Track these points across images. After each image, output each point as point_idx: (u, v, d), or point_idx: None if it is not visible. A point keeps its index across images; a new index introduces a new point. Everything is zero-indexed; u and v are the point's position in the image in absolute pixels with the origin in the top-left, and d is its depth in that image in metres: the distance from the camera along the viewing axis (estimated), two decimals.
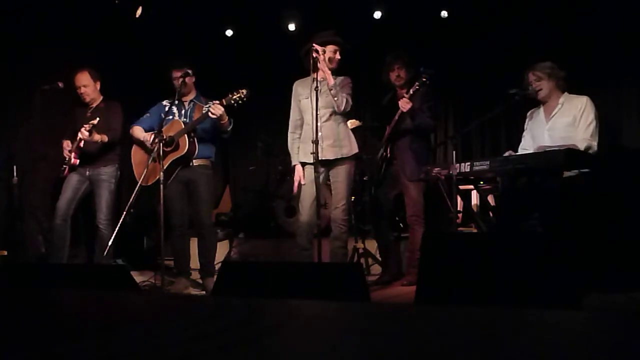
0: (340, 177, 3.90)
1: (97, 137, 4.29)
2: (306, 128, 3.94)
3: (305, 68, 3.90)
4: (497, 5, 5.53)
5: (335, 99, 3.80)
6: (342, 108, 3.83)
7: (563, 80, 3.83)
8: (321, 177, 3.83)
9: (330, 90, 3.78)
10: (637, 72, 4.81)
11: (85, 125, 4.23)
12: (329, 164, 3.91)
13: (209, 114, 4.00)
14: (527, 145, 3.96)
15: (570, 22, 5.12)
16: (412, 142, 4.29)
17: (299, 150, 3.99)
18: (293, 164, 4.05)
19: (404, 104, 4.10)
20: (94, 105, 4.52)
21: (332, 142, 3.86)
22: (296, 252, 3.93)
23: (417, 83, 4.03)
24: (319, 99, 3.70)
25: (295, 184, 4.01)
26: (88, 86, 4.47)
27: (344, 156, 3.90)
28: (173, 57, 4.46)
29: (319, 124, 3.72)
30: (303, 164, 3.95)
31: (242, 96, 3.98)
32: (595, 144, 3.64)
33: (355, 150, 3.99)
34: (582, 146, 3.59)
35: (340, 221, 3.86)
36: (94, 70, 4.52)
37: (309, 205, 3.83)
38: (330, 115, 3.88)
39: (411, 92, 4.06)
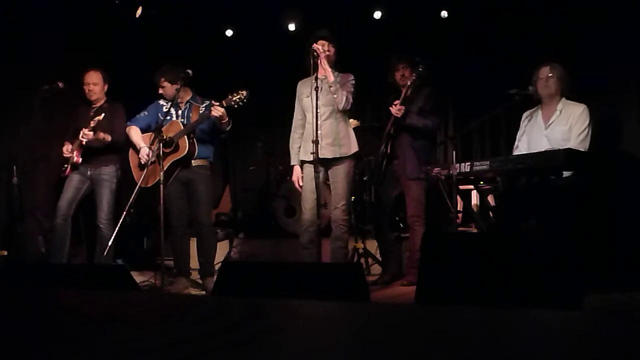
0: (339, 177, 3.90)
1: (100, 135, 4.30)
2: (307, 127, 3.94)
3: (307, 69, 3.91)
4: (497, 6, 5.53)
5: (335, 96, 3.80)
6: (342, 105, 3.83)
7: (567, 88, 3.86)
8: (321, 177, 3.83)
9: (330, 87, 3.78)
10: (638, 74, 4.80)
11: (90, 122, 4.24)
12: (328, 163, 3.90)
13: (211, 115, 4.01)
14: (522, 148, 3.96)
15: (571, 23, 5.11)
16: (414, 140, 4.29)
17: (300, 149, 4.00)
18: (292, 163, 4.07)
19: (397, 111, 4.14)
20: (98, 105, 4.53)
21: (331, 141, 3.86)
22: (298, 251, 3.95)
23: (414, 74, 4.14)
24: (320, 97, 3.71)
25: (296, 184, 4.03)
26: (97, 85, 4.50)
27: (343, 155, 3.90)
28: (163, 63, 4.44)
29: (318, 122, 3.72)
30: (303, 163, 3.96)
31: (242, 97, 3.98)
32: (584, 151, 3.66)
33: (355, 149, 3.99)
34: None
35: (341, 221, 3.86)
36: (106, 72, 4.57)
37: (310, 204, 3.83)
38: (331, 113, 3.88)
39: (408, 83, 4.18)
